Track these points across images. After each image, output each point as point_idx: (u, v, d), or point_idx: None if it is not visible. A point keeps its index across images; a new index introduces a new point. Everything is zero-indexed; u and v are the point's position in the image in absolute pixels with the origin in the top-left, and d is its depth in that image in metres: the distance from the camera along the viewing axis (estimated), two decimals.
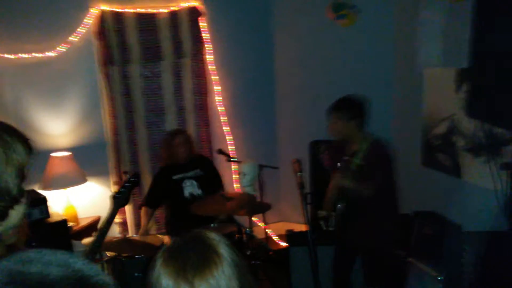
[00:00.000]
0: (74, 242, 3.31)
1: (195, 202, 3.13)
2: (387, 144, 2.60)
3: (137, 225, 3.94)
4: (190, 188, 3.37)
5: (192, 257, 0.81)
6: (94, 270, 0.58)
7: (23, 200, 0.99)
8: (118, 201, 1.78)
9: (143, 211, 3.38)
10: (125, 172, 2.01)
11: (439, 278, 2.37)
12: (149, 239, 3.00)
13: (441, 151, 3.16)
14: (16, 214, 0.97)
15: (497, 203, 2.51)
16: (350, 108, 2.56)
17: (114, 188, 1.76)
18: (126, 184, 1.87)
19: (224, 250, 0.84)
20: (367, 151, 2.51)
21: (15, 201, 0.95)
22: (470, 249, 2.31)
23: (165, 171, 3.38)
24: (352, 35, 3.86)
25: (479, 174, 2.75)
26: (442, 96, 3.12)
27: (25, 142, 0.99)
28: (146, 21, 3.75)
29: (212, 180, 3.48)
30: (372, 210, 2.55)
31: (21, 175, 0.96)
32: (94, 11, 3.62)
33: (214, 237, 0.88)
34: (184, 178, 3.36)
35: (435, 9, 3.19)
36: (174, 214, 3.38)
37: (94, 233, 1.63)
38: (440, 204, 3.07)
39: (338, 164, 2.57)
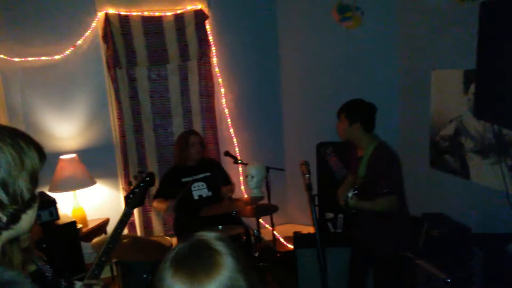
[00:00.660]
0: (83, 243, 3.34)
1: (203, 207, 3.15)
2: (390, 148, 2.61)
3: (145, 226, 3.97)
4: (199, 191, 3.39)
5: (200, 263, 0.85)
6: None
7: (35, 205, 1.01)
8: (133, 201, 1.77)
9: (155, 204, 3.38)
10: (140, 172, 2.01)
11: (447, 280, 2.35)
12: (158, 239, 3.00)
13: (449, 153, 3.15)
14: (27, 218, 0.99)
15: (506, 205, 2.49)
16: (354, 111, 2.59)
17: (127, 189, 1.75)
18: (141, 184, 1.85)
19: (223, 248, 0.88)
20: (371, 158, 2.55)
21: (28, 205, 0.97)
22: (479, 251, 2.29)
23: (175, 171, 3.41)
24: (357, 37, 3.85)
25: (488, 175, 2.73)
26: (450, 97, 3.10)
27: (39, 149, 1.01)
28: (152, 24, 3.78)
29: (220, 180, 3.50)
30: (379, 214, 2.56)
31: (34, 181, 0.98)
32: (100, 15, 3.65)
33: (211, 237, 0.91)
34: (193, 181, 3.38)
35: (440, 10, 3.17)
36: (183, 216, 3.39)
37: (106, 235, 1.63)
38: (448, 206, 3.05)
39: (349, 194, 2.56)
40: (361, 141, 2.60)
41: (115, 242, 1.60)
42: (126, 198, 1.79)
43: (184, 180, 3.37)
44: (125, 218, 1.69)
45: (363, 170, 2.58)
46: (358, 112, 2.58)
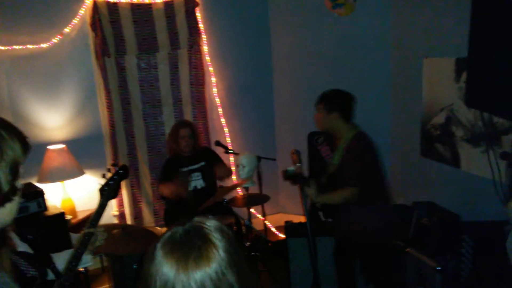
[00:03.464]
0: (72, 235, 3.31)
1: (197, 198, 3.14)
2: (368, 139, 2.60)
3: (136, 217, 3.95)
4: (195, 181, 3.38)
5: (191, 251, 0.84)
6: None
7: (16, 198, 0.97)
8: (107, 194, 1.78)
9: (162, 187, 3.31)
10: (113, 165, 1.98)
11: (437, 268, 2.37)
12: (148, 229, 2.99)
13: (440, 141, 3.15)
14: (6, 212, 0.95)
15: (496, 193, 2.50)
16: (332, 100, 2.60)
17: (102, 181, 1.76)
18: (114, 177, 1.86)
19: (218, 240, 0.86)
20: (347, 147, 2.56)
21: (6, 198, 0.93)
22: (469, 239, 2.31)
23: (174, 162, 3.37)
24: (349, 25, 3.82)
25: (478, 164, 2.74)
26: (441, 85, 3.10)
27: (22, 139, 0.97)
28: (141, 12, 3.71)
29: (216, 168, 3.47)
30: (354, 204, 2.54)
31: (15, 173, 0.94)
32: (88, 2, 3.57)
33: (209, 226, 0.89)
34: (191, 172, 3.36)
35: None
36: (174, 206, 3.37)
37: (84, 228, 1.62)
38: (439, 194, 3.06)
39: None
40: (339, 130, 2.61)
41: (91, 235, 1.60)
42: (101, 191, 1.79)
43: (183, 170, 3.35)
44: (100, 210, 1.69)
45: (337, 158, 2.60)
46: (337, 101, 2.59)
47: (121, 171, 1.89)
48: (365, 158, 2.52)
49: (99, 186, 1.80)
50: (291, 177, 2.43)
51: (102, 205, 1.72)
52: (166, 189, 3.23)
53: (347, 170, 2.52)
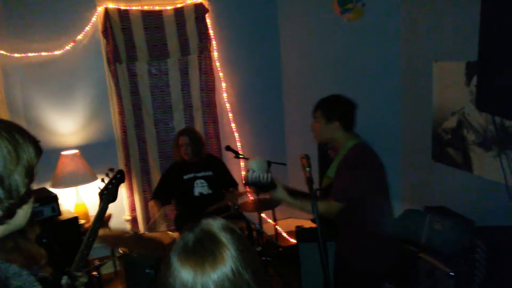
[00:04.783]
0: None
1: (204, 203, 3.16)
2: (367, 151, 2.26)
3: (148, 222, 3.97)
4: (200, 188, 3.39)
5: (205, 255, 0.87)
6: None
7: (31, 200, 1.00)
8: (107, 198, 1.84)
9: (151, 204, 3.40)
10: (111, 170, 2.03)
11: (450, 274, 2.35)
12: (159, 236, 3.01)
13: (452, 146, 3.13)
14: (23, 213, 0.98)
15: (509, 198, 2.48)
16: (331, 108, 2.26)
17: (101, 185, 1.84)
18: (113, 181, 1.92)
19: (227, 240, 0.90)
20: (343, 159, 2.23)
21: (23, 200, 0.96)
22: (482, 244, 2.29)
23: (177, 168, 3.41)
24: (358, 29, 3.83)
25: (491, 168, 2.72)
26: (452, 89, 3.08)
27: (35, 143, 1.00)
28: (152, 19, 3.76)
29: (222, 180, 3.49)
30: (347, 224, 2.29)
31: (30, 175, 0.97)
32: (100, 10, 3.63)
33: (217, 227, 0.92)
34: (194, 179, 3.38)
35: (442, 2, 3.15)
36: (184, 212, 3.40)
37: (87, 232, 1.67)
38: (451, 199, 3.04)
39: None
40: (339, 141, 2.28)
41: (95, 236, 1.64)
42: (101, 195, 1.85)
43: (185, 177, 3.37)
44: (102, 213, 1.75)
45: (333, 171, 2.28)
46: (336, 109, 2.24)
47: (118, 176, 1.97)
48: (358, 173, 2.16)
49: (99, 191, 1.87)
50: (253, 184, 2.21)
51: (104, 209, 1.78)
52: (152, 208, 3.36)
53: (336, 182, 2.21)
